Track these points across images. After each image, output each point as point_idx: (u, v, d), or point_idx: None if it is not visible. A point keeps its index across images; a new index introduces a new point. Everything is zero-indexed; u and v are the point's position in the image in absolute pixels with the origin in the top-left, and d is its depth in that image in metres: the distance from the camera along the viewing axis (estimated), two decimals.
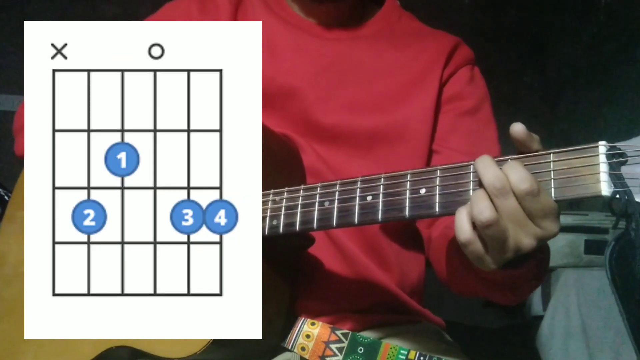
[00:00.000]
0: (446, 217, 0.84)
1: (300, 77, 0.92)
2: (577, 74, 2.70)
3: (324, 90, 0.92)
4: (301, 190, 0.74)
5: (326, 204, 0.71)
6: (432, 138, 0.93)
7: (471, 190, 0.63)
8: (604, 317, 1.76)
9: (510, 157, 0.63)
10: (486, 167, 0.61)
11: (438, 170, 0.66)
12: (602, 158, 0.58)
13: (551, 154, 0.61)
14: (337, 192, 0.71)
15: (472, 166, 0.64)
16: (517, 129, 0.62)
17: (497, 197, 0.60)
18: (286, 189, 0.75)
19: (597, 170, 0.58)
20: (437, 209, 0.65)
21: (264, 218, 0.75)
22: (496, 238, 0.61)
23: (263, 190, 0.75)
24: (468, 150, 0.89)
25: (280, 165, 0.84)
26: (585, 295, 1.82)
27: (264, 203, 0.75)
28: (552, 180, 0.60)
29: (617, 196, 0.57)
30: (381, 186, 0.68)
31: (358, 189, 0.70)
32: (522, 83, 2.94)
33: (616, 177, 0.57)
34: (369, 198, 0.69)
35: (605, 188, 0.58)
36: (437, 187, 0.65)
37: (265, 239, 0.72)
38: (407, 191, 0.67)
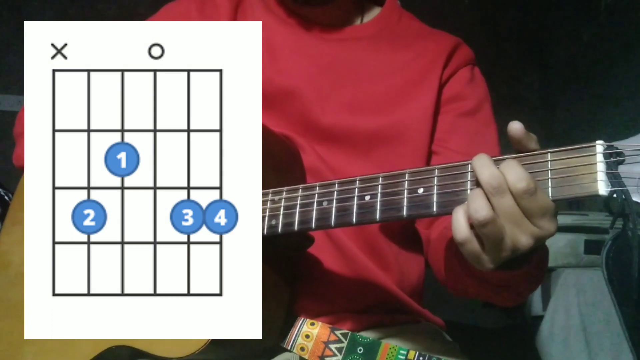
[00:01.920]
0: (445, 218, 0.84)
1: (299, 77, 0.92)
2: (577, 74, 2.70)
3: (323, 90, 0.92)
4: (300, 190, 0.74)
5: (325, 203, 0.71)
6: (431, 139, 0.93)
7: (469, 190, 0.63)
8: (604, 317, 1.76)
9: (507, 156, 0.63)
10: (483, 165, 0.61)
11: (436, 170, 0.66)
12: (600, 157, 0.58)
13: (548, 154, 0.61)
14: (335, 192, 0.71)
15: (469, 165, 0.64)
16: (515, 127, 0.62)
17: (494, 196, 0.60)
18: (285, 188, 0.75)
19: (594, 169, 0.58)
20: (434, 209, 0.65)
21: (262, 218, 0.75)
22: (493, 237, 0.61)
23: (262, 190, 0.75)
24: (467, 150, 0.89)
25: (281, 165, 0.84)
26: (585, 295, 1.82)
27: (263, 203, 0.75)
28: (550, 179, 0.60)
29: (615, 195, 0.57)
30: (379, 186, 0.68)
31: (356, 189, 0.70)
32: (522, 83, 2.95)
33: (613, 177, 0.57)
34: (367, 198, 0.69)
35: (602, 187, 0.57)
36: (435, 186, 0.65)
37: (265, 239, 0.72)
38: (405, 191, 0.67)
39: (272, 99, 0.89)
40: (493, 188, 0.60)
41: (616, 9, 2.43)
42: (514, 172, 0.60)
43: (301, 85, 0.91)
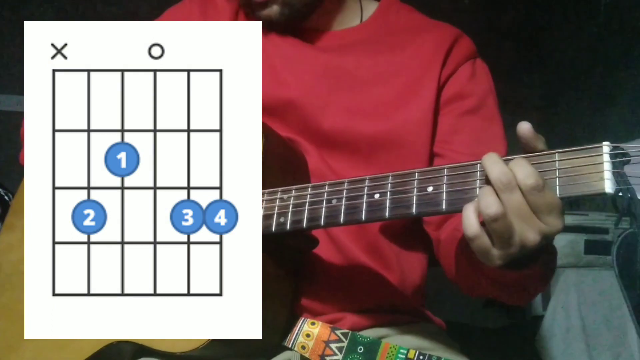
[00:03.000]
0: (453, 219, 0.85)
1: (297, 87, 0.91)
2: (577, 74, 2.69)
3: (322, 97, 0.91)
4: (309, 188, 0.74)
5: (334, 201, 0.72)
6: (432, 141, 0.92)
7: (478, 188, 0.65)
8: (604, 317, 1.76)
9: (516, 156, 0.64)
10: (493, 163, 0.62)
11: (445, 169, 0.67)
12: (606, 157, 0.60)
13: (556, 154, 0.62)
14: (345, 190, 0.72)
15: (478, 165, 0.65)
16: (524, 128, 0.64)
17: (504, 192, 0.61)
18: (294, 187, 0.75)
19: (600, 169, 0.60)
20: (444, 206, 0.66)
21: (271, 215, 0.75)
22: (502, 232, 0.62)
23: (270, 189, 0.75)
24: (472, 150, 0.88)
25: (287, 167, 0.84)
26: (585, 295, 1.82)
27: (272, 201, 0.76)
28: (557, 178, 0.62)
29: (620, 194, 0.59)
30: (389, 184, 0.69)
31: (366, 187, 0.70)
32: (522, 83, 2.94)
33: (619, 176, 0.59)
34: (377, 196, 0.69)
35: (608, 186, 0.59)
36: (445, 185, 0.66)
37: (271, 239, 0.72)
38: (415, 189, 0.68)
39: (272, 110, 0.89)
40: (503, 184, 0.61)
41: (616, 9, 2.43)
42: (523, 169, 0.61)
43: (300, 94, 0.91)
